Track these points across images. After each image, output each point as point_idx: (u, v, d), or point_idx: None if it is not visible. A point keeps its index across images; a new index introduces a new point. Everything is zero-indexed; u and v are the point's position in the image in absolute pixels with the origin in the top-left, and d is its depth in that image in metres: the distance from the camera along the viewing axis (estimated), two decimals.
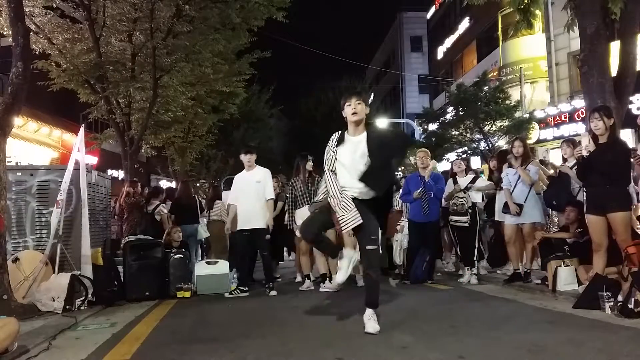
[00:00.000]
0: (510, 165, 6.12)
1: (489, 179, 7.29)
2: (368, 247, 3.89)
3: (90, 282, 5.52)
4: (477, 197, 6.64)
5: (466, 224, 6.39)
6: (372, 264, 3.95)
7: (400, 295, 5.94)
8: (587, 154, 4.57)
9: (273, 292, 6.08)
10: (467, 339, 3.53)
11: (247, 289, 6.26)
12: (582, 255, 5.18)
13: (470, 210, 6.40)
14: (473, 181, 6.57)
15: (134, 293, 5.99)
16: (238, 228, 6.29)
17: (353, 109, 3.93)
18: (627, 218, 4.53)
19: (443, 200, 6.63)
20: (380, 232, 4.07)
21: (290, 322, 4.43)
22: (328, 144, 4.09)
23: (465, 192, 6.47)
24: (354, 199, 3.92)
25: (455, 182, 6.65)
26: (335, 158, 4.01)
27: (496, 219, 6.41)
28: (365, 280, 4.09)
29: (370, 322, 3.83)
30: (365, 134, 3.99)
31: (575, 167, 5.20)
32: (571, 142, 6.02)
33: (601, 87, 6.11)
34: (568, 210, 5.57)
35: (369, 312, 3.91)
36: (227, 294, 6.16)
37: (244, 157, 6.50)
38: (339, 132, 4.08)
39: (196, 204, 8.56)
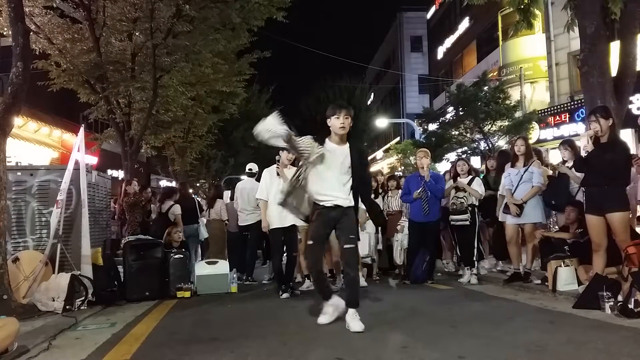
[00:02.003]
0: (512, 165, 6.12)
1: (485, 178, 7.29)
2: (346, 246, 4.07)
3: (90, 282, 5.52)
4: (480, 189, 6.59)
5: (467, 222, 6.38)
6: (350, 263, 4.12)
7: (400, 295, 5.96)
8: (586, 154, 4.57)
9: (295, 293, 5.96)
10: (467, 339, 3.54)
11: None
12: (582, 255, 5.18)
13: (470, 209, 6.40)
14: (470, 182, 6.56)
15: (134, 293, 5.99)
16: (275, 226, 5.98)
17: (342, 123, 4.08)
18: (626, 218, 4.54)
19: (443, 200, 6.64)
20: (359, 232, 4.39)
21: (290, 322, 4.43)
22: (309, 140, 4.09)
23: (464, 191, 6.47)
24: (337, 207, 4.08)
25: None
26: (317, 158, 4.06)
27: (500, 219, 6.40)
28: (345, 279, 4.22)
29: (355, 321, 3.91)
30: (348, 145, 4.17)
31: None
32: (569, 143, 6.02)
33: (601, 87, 6.11)
34: (568, 210, 5.57)
35: (351, 311, 4.00)
36: (283, 295, 5.85)
37: (285, 154, 6.12)
38: (316, 135, 4.15)
39: (195, 204, 8.57)
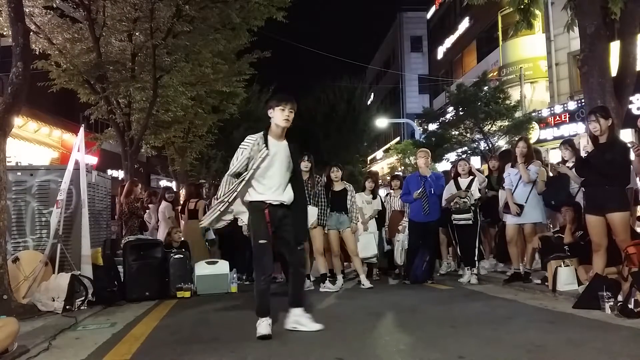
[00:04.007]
0: (512, 165, 6.13)
1: (488, 178, 7.29)
2: (299, 248, 4.07)
3: (90, 282, 5.52)
4: (477, 194, 6.58)
5: (470, 221, 6.38)
6: (304, 263, 4.21)
7: (400, 295, 5.95)
8: (586, 154, 4.57)
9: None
10: (467, 339, 3.53)
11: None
12: (582, 256, 5.18)
13: (472, 208, 6.39)
14: (470, 183, 6.55)
15: (134, 293, 5.99)
16: None
17: (287, 115, 3.90)
18: (626, 218, 4.53)
19: (444, 201, 6.63)
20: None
21: None
22: (249, 142, 3.92)
23: (466, 191, 6.46)
24: (282, 205, 3.97)
25: (456, 183, 6.63)
26: (263, 160, 3.90)
27: (503, 219, 6.42)
28: (298, 278, 4.09)
29: (310, 321, 3.90)
30: (285, 141, 4.04)
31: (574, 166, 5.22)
32: (569, 143, 6.02)
33: (601, 87, 6.10)
34: (564, 210, 5.58)
35: (299, 311, 3.97)
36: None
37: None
38: (260, 133, 3.97)
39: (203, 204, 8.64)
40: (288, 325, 3.97)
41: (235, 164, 3.95)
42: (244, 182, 3.91)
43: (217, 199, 4.11)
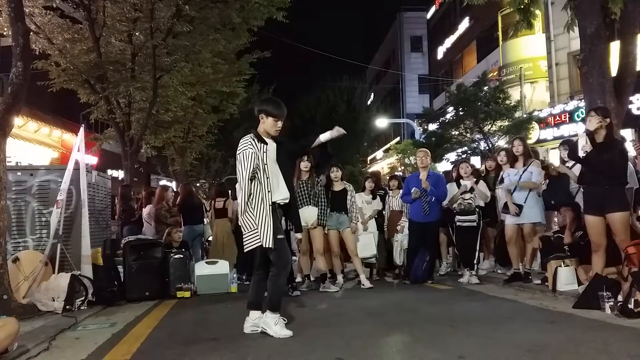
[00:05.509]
0: (511, 166, 6.13)
1: (485, 179, 7.27)
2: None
3: (90, 282, 5.52)
4: (477, 198, 6.56)
5: (474, 223, 6.37)
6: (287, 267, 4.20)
7: (400, 295, 5.96)
8: (584, 154, 4.58)
9: (297, 293, 5.99)
10: (467, 339, 3.53)
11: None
12: (581, 256, 5.18)
13: (477, 210, 6.38)
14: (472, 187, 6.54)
15: (134, 293, 5.99)
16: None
17: (279, 127, 4.07)
18: (626, 218, 4.54)
19: (446, 201, 6.61)
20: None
21: (290, 322, 4.42)
22: (247, 144, 3.93)
23: (471, 192, 6.44)
24: (281, 206, 4.05)
25: (458, 185, 6.61)
26: (266, 163, 3.94)
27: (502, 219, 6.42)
28: (272, 282, 3.99)
29: (278, 326, 3.82)
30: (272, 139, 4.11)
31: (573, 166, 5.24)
32: (569, 143, 6.02)
33: (601, 87, 6.10)
34: (564, 210, 5.58)
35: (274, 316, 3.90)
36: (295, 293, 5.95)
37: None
38: (252, 134, 4.03)
39: (201, 204, 8.65)
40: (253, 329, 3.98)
41: (246, 164, 3.85)
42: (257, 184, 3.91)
43: (250, 215, 3.92)
